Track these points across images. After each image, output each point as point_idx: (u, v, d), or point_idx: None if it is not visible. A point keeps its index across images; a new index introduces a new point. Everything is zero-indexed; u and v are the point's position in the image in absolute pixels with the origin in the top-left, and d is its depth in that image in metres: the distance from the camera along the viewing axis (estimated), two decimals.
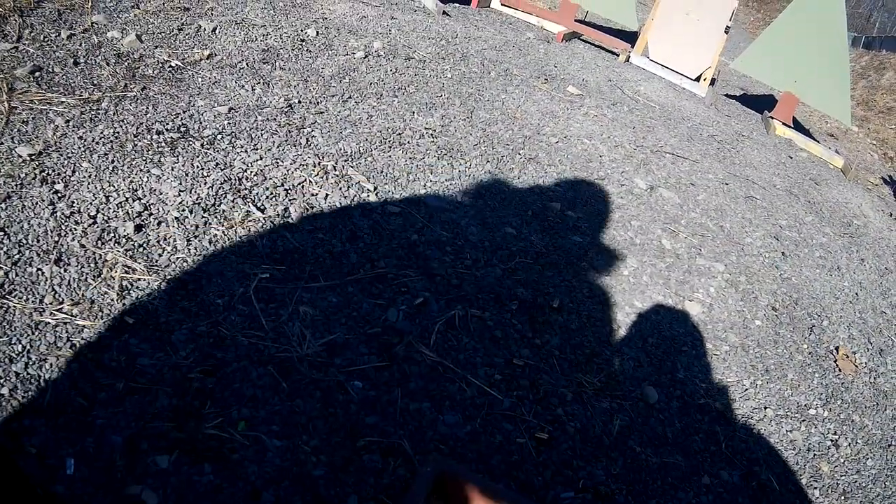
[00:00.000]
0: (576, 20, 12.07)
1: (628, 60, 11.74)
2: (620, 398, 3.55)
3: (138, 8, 6.26)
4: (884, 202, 10.47)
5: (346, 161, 4.56)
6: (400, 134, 5.26)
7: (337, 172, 4.41)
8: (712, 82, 12.39)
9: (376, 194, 4.32)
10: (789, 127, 11.69)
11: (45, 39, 5.21)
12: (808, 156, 10.89)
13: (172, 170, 3.93)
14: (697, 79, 11.88)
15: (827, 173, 10.44)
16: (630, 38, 12.27)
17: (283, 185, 4.14)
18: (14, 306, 2.84)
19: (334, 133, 4.89)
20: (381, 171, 4.60)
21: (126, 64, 5.09)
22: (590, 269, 4.49)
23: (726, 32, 11.78)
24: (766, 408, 4.01)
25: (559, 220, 4.92)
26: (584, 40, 11.87)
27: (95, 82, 4.68)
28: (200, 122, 4.50)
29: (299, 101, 5.23)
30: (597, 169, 6.10)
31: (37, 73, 4.61)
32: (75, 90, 4.51)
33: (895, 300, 6.53)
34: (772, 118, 11.76)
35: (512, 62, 8.40)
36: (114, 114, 4.34)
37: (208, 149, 4.24)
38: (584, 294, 4.20)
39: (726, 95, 13.18)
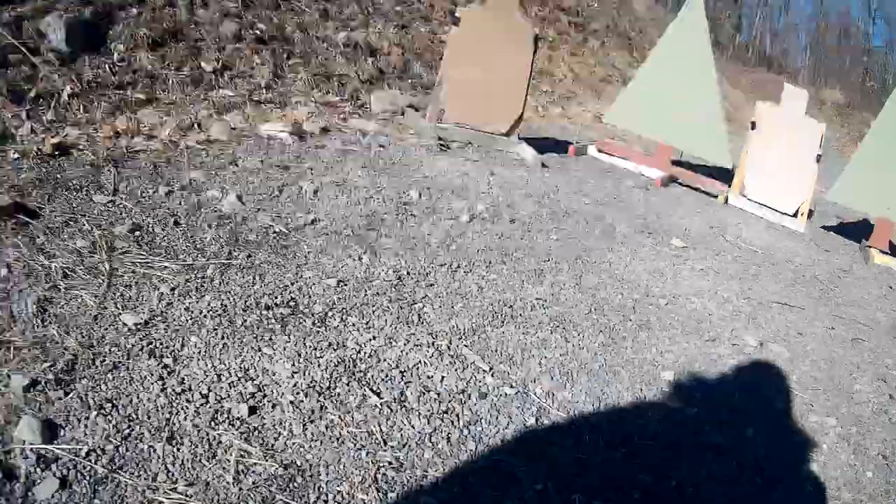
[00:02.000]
0: (672, 161, 12.10)
1: (727, 202, 11.64)
2: None
3: (236, 165, 6.37)
4: None
5: (459, 339, 4.53)
6: (511, 306, 5.23)
7: (451, 352, 4.36)
8: (810, 215, 12.22)
9: (492, 374, 4.27)
10: (886, 254, 11.38)
11: (143, 195, 5.34)
12: None
13: (284, 349, 3.94)
14: (795, 213, 11.64)
15: None
16: (726, 175, 12.23)
17: (397, 366, 4.09)
18: (126, 482, 2.85)
19: (446, 308, 4.88)
20: (496, 350, 4.56)
21: (229, 227, 5.18)
22: (707, 447, 4.38)
23: (818, 161, 11.70)
24: None
25: (674, 390, 4.86)
26: (681, 184, 11.86)
27: (199, 247, 4.79)
28: (310, 297, 4.53)
29: (408, 273, 5.25)
30: (707, 329, 6.03)
31: (136, 233, 4.72)
32: (178, 254, 4.61)
33: None
34: (869, 247, 11.50)
35: (614, 216, 8.44)
36: (220, 283, 4.41)
37: (320, 327, 4.24)
38: (704, 474, 4.11)
39: (823, 227, 12.97)
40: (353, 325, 4.35)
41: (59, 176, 5.36)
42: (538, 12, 19.49)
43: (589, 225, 7.76)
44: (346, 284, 4.81)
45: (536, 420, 4.04)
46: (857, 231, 12.52)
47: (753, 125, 12.03)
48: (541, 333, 4.94)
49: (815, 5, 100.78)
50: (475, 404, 3.97)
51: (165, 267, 4.38)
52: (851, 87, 49.44)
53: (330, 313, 4.40)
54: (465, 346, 4.47)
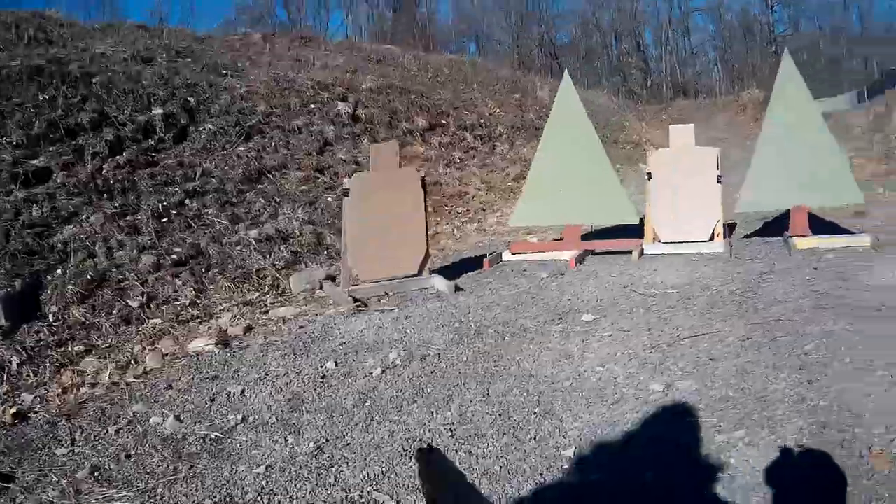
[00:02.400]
0: (583, 238, 12.65)
1: (643, 254, 12.07)
2: None
3: (172, 388, 6.95)
4: None
5: (370, 485, 4.94)
6: (421, 440, 5.61)
7: (363, 499, 4.78)
8: (732, 229, 13.02)
9: None
10: (808, 236, 12.01)
11: (96, 438, 5.93)
12: (834, 256, 11.07)
13: None
14: (712, 237, 12.16)
15: (858, 260, 10.65)
16: (639, 230, 12.70)
17: None
18: None
19: (360, 462, 5.29)
20: (404, 485, 4.94)
21: (172, 446, 5.72)
22: None
23: (719, 182, 12.30)
24: None
25: (575, 465, 5.16)
26: (597, 253, 12.33)
27: (149, 471, 5.31)
28: (242, 488, 4.99)
29: (327, 440, 5.68)
30: (612, 394, 6.35)
31: (95, 473, 5.28)
32: (133, 483, 5.14)
33: None
34: (790, 237, 12.06)
35: (526, 315, 8.86)
36: (168, 498, 4.90)
37: None
38: None
39: (745, 237, 13.64)
40: (279, 502, 4.83)
41: (23, 440, 6.01)
42: (440, 141, 20.14)
43: (499, 334, 8.17)
44: (273, 468, 5.26)
45: None
46: (782, 222, 13.21)
47: (650, 175, 12.62)
48: (448, 454, 5.25)
49: (716, 19, 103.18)
50: None
51: (124, 496, 4.94)
52: (768, 80, 50.64)
53: (258, 498, 4.86)
54: (376, 490, 4.85)
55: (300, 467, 5.26)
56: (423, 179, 10.52)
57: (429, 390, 6.68)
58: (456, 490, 0.91)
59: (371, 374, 7.09)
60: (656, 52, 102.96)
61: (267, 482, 5.08)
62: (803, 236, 12.13)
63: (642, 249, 12.32)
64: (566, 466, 5.15)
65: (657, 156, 13.27)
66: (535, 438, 5.59)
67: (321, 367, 7.31)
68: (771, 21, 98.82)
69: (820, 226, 13.50)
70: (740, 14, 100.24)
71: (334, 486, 4.98)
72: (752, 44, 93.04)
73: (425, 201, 10.58)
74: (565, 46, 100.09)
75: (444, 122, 21.17)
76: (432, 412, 6.19)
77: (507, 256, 12.40)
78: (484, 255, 12.13)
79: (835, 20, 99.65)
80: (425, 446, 1.83)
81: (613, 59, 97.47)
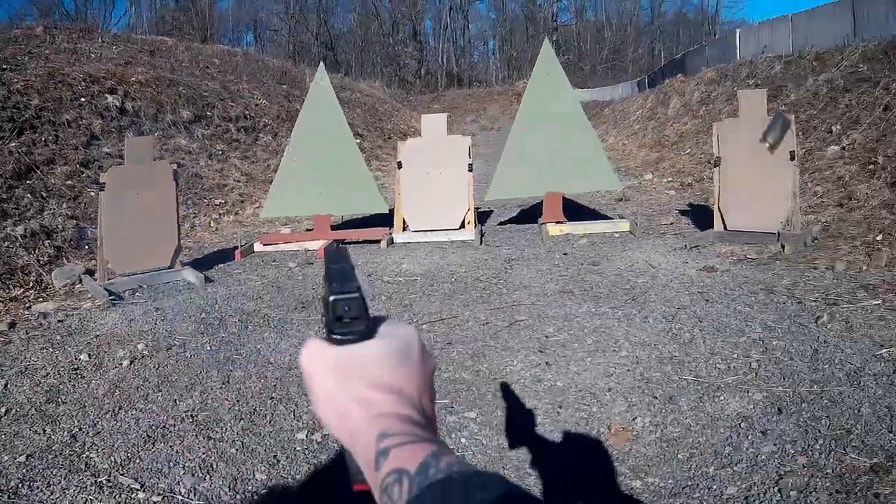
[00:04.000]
0: (333, 228, 12.92)
1: (392, 243, 12.37)
2: None
3: None
4: (679, 237, 11.46)
5: (117, 470, 5.14)
6: (164, 427, 5.84)
7: (111, 483, 4.96)
8: (484, 218, 13.66)
9: (143, 491, 4.87)
10: (562, 223, 12.46)
11: None
12: (587, 241, 11.61)
13: None
14: (462, 225, 12.51)
15: (612, 246, 11.26)
16: (390, 218, 13.03)
17: None
18: None
19: (108, 448, 5.46)
20: (148, 469, 5.16)
21: None
22: None
23: (470, 170, 12.62)
24: None
25: (305, 446, 5.49)
26: (348, 243, 12.51)
27: None
28: (7, 476, 5.12)
29: (80, 429, 5.82)
30: None
31: None
32: None
33: (687, 336, 7.25)
34: (543, 223, 12.49)
35: (271, 304, 9.20)
36: None
37: (14, 498, 4.82)
38: None
39: (500, 224, 14.06)
40: (39, 488, 4.95)
41: None
42: (204, 133, 20.08)
43: (242, 324, 8.49)
44: (33, 457, 5.39)
45: None
46: (538, 211, 13.59)
47: (400, 164, 12.92)
48: (186, 441, 5.57)
49: (499, 9, 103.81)
50: None
51: None
52: None
53: (21, 484, 5.00)
54: (122, 474, 5.08)
55: (56, 455, 5.40)
56: (175, 172, 10.64)
57: (173, 378, 6.89)
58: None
59: (121, 364, 7.27)
60: (434, 41, 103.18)
61: (27, 470, 5.22)
62: (557, 223, 12.68)
63: (391, 238, 12.64)
64: (299, 448, 5.45)
65: (409, 144, 13.59)
66: (270, 422, 5.89)
67: (76, 359, 7.42)
68: (555, 10, 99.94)
69: (580, 212, 14.30)
70: (523, 3, 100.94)
71: (85, 471, 5.15)
72: (533, 33, 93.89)
73: (178, 194, 10.71)
74: (342, 35, 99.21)
75: (209, 113, 21.00)
76: (175, 399, 6.40)
77: (258, 247, 12.59)
78: (237, 247, 12.52)
79: (623, 8, 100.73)
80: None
81: (389, 48, 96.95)
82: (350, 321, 1.03)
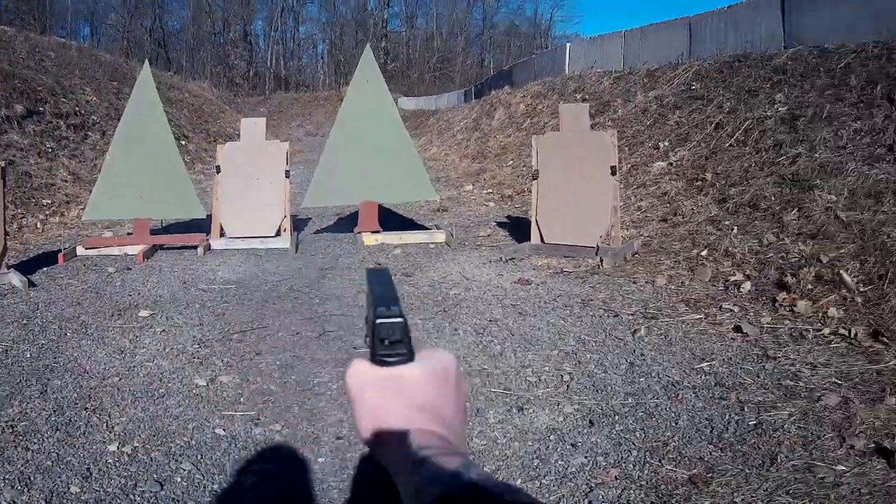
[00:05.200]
0: (153, 232, 12.76)
1: (209, 249, 12.24)
2: None
3: None
4: (496, 249, 11.53)
5: None
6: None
7: None
8: (300, 228, 13.54)
9: None
10: (378, 232, 12.48)
11: None
12: (402, 251, 11.65)
13: None
14: (278, 233, 12.44)
15: (427, 257, 11.30)
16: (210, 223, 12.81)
17: None
18: None
19: None
20: None
21: None
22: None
23: (287, 177, 12.57)
24: None
25: (118, 459, 5.33)
26: (166, 249, 12.42)
27: None
28: None
29: None
30: (158, 388, 6.56)
31: None
32: None
33: (497, 349, 7.32)
34: (359, 233, 12.52)
35: (89, 310, 8.96)
36: None
37: None
38: None
39: (317, 232, 14.12)
40: None
41: None
42: (35, 129, 19.58)
43: (62, 331, 8.20)
44: None
45: None
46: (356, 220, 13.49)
47: (218, 168, 12.78)
48: (6, 453, 5.36)
49: (330, 12, 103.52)
50: None
51: None
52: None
53: None
54: None
55: None
56: (2, 170, 10.23)
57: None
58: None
59: None
60: (264, 42, 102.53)
61: None
62: (373, 232, 12.69)
63: (208, 244, 12.50)
64: (110, 461, 5.31)
65: (227, 149, 13.39)
66: (84, 433, 5.73)
67: None
68: (385, 17, 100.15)
69: (398, 222, 14.32)
70: (355, 8, 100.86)
71: None
72: (362, 38, 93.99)
73: (3, 194, 10.28)
74: (175, 33, 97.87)
75: (41, 109, 20.51)
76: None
77: (80, 251, 12.21)
78: (60, 250, 11.91)
79: (454, 17, 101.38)
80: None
81: (220, 48, 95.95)
82: (393, 343, 1.09)
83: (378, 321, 1.09)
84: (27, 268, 11.02)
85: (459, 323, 8.28)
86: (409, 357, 1.09)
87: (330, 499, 4.85)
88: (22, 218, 14.99)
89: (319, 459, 5.34)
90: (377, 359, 1.09)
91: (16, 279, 10.14)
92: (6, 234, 10.48)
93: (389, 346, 1.09)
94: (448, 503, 0.86)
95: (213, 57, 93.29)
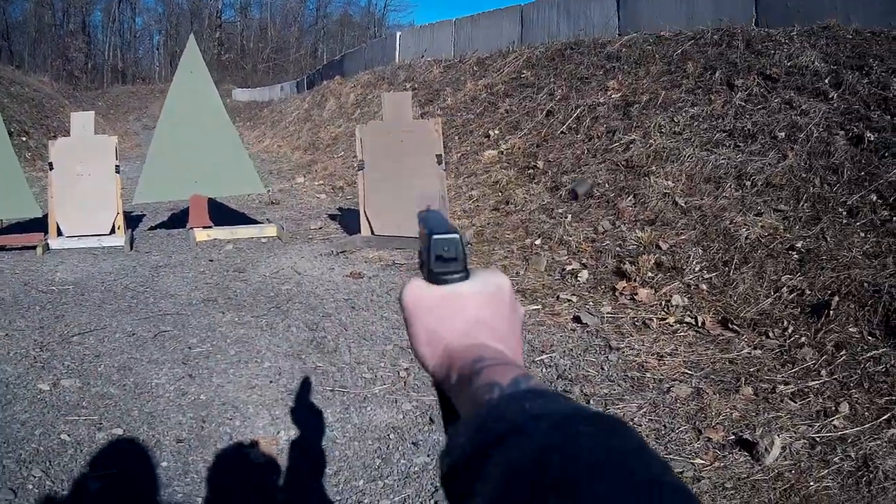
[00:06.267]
0: None
1: (48, 249, 11.95)
2: None
3: None
4: (327, 242, 11.50)
5: None
6: None
7: None
8: (134, 224, 13.28)
9: None
10: (210, 227, 12.37)
11: None
12: (234, 246, 11.60)
13: None
14: (112, 230, 12.26)
15: (259, 251, 11.26)
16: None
17: None
18: None
19: None
20: None
21: None
22: None
23: (118, 172, 12.39)
24: None
25: None
26: (6, 250, 12.08)
27: None
28: None
29: None
30: (4, 394, 6.35)
31: None
32: None
33: (332, 346, 7.34)
34: (191, 229, 12.36)
35: None
36: None
37: None
38: None
39: (151, 228, 13.95)
40: None
41: None
42: None
43: None
44: None
45: None
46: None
47: (51, 165, 12.50)
48: None
49: (167, 3, 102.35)
50: None
51: None
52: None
53: None
54: None
55: None
56: None
57: None
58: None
59: None
60: (102, 33, 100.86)
61: None
62: (205, 227, 12.58)
63: (47, 244, 12.14)
64: None
65: (59, 144, 13.05)
66: None
67: None
68: (220, 6, 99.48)
69: (229, 215, 14.15)
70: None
71: None
72: (198, 29, 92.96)
73: None
74: (18, 25, 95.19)
75: None
76: None
77: None
78: None
79: (288, 7, 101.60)
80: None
81: (59, 40, 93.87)
82: (448, 260, 1.10)
83: (434, 237, 1.10)
84: None
85: (292, 319, 8.24)
86: (465, 275, 1.11)
87: (175, 501, 4.80)
88: None
89: (163, 463, 5.27)
90: (433, 277, 1.11)
91: None
92: None
93: (445, 262, 1.10)
94: (516, 434, 0.80)
95: (54, 49, 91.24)
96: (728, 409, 5.52)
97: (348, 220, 13.39)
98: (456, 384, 1.03)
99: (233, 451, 5.46)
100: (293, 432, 5.63)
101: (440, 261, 1.09)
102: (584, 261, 9.06)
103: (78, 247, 12.18)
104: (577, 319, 7.51)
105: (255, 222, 14.03)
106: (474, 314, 1.09)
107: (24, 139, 25.85)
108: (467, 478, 0.80)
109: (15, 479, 5.07)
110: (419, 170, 10.72)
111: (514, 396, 0.88)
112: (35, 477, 5.09)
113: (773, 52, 11.96)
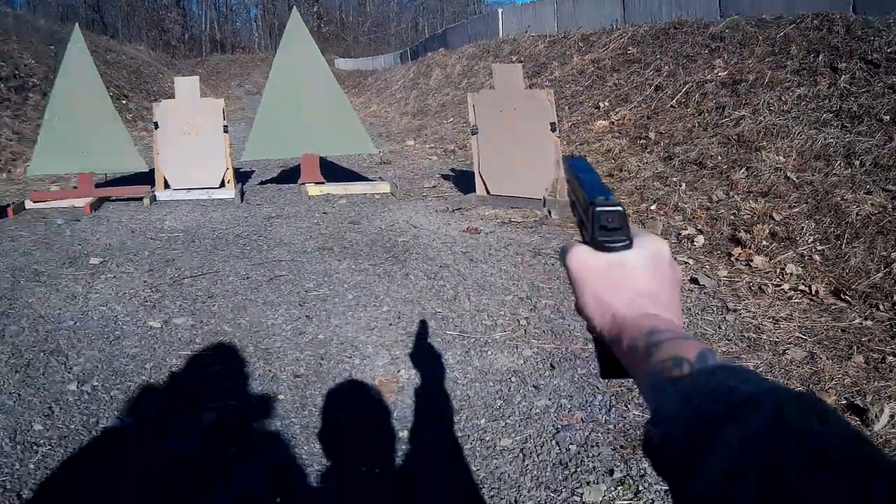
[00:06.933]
0: (98, 185, 12.67)
1: (155, 200, 12.26)
2: None
3: None
4: (441, 200, 11.45)
5: None
6: None
7: None
8: (243, 180, 13.49)
9: None
10: (322, 183, 12.49)
11: None
12: (347, 201, 11.60)
13: None
14: (222, 184, 12.48)
15: (372, 206, 11.27)
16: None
17: None
18: None
19: None
20: None
21: None
22: None
23: (226, 131, 12.64)
24: None
25: (77, 397, 5.34)
26: (114, 200, 12.36)
27: None
28: None
29: None
30: (113, 330, 6.57)
31: None
32: None
33: (451, 294, 7.41)
34: (303, 183, 12.50)
35: (41, 260, 8.91)
36: None
37: None
38: None
39: (261, 183, 14.08)
40: None
41: None
42: None
43: (14, 279, 8.13)
44: None
45: None
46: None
47: (156, 125, 12.82)
48: None
49: None
50: None
51: None
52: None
53: None
54: None
55: None
56: None
57: None
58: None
59: None
60: (197, 7, 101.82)
61: None
62: (316, 183, 12.74)
63: (154, 195, 12.52)
64: (71, 399, 5.32)
65: (163, 106, 13.34)
66: (43, 374, 5.73)
67: None
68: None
69: (341, 173, 14.33)
70: None
71: None
72: (294, 3, 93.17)
73: None
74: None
75: None
76: None
77: (29, 204, 12.10)
78: (8, 205, 11.75)
79: None
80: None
81: (154, 13, 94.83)
82: (613, 231, 1.12)
83: (598, 209, 1.12)
84: None
85: (410, 268, 8.29)
86: (629, 244, 1.13)
87: (292, 434, 4.85)
88: None
89: (279, 397, 5.35)
90: (599, 245, 1.13)
91: None
92: None
93: (609, 232, 1.12)
94: (754, 404, 0.82)
95: (148, 21, 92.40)
96: (840, 375, 5.44)
97: (461, 180, 13.43)
98: (628, 351, 1.07)
99: (351, 386, 5.54)
100: (413, 372, 5.68)
101: (604, 230, 1.12)
102: (700, 227, 8.99)
103: (186, 199, 12.48)
104: (694, 281, 7.47)
105: (367, 179, 14.15)
106: (640, 284, 1.12)
107: (123, 102, 26.34)
108: (687, 449, 0.83)
109: (124, 409, 5.22)
110: (532, 136, 10.64)
111: (711, 372, 0.91)
112: (145, 407, 5.25)
113: (872, 38, 11.81)
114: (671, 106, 13.60)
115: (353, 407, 5.29)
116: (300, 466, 4.48)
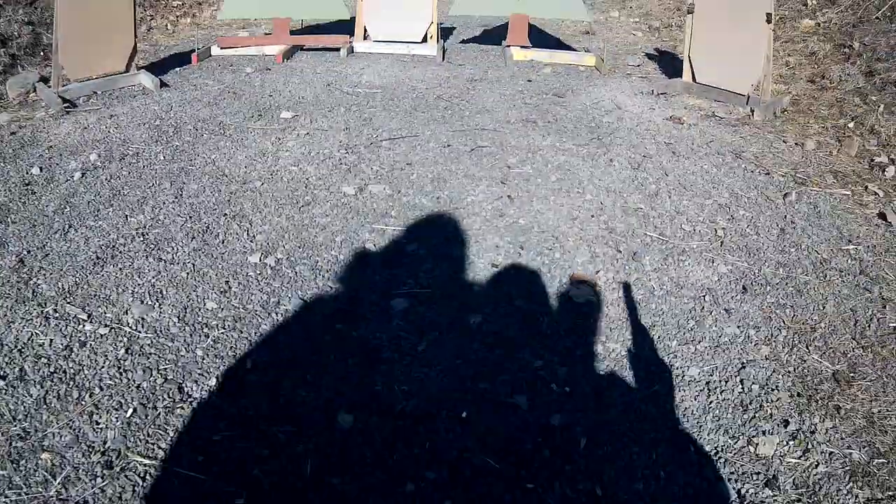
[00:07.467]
0: (293, 33, 12.49)
1: (352, 52, 12.09)
2: None
3: None
4: (646, 81, 11.07)
5: (64, 297, 4.94)
6: (113, 247, 5.64)
7: (58, 313, 4.73)
8: (445, 37, 13.22)
9: (90, 321, 4.70)
10: (527, 48, 12.12)
11: None
12: (552, 70, 11.29)
13: None
14: (425, 39, 12.20)
15: (577, 79, 10.91)
16: (351, 26, 12.56)
17: (17, 347, 4.39)
18: None
19: (55, 271, 5.25)
20: (95, 295, 4.98)
21: None
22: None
23: None
24: None
25: (258, 271, 5.34)
26: (306, 49, 12.25)
27: None
28: None
29: (28, 252, 5.54)
30: (303, 195, 6.58)
31: None
32: None
33: (653, 189, 7.10)
34: (508, 46, 12.17)
35: (227, 111, 8.89)
36: None
37: None
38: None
39: (462, 42, 13.70)
40: None
41: None
42: None
43: (197, 132, 8.19)
44: None
45: (127, 350, 4.39)
46: (502, 34, 13.28)
47: None
48: (136, 263, 5.39)
49: None
50: (77, 354, 4.33)
51: None
52: None
53: None
54: (69, 304, 4.85)
55: (2, 283, 5.12)
56: None
57: (125, 192, 6.62)
58: None
59: (72, 177, 6.92)
60: None
61: None
62: (522, 47, 12.38)
63: (352, 47, 12.35)
64: (251, 273, 5.33)
65: None
66: (223, 243, 5.76)
67: (27, 173, 7.03)
68: None
69: (544, 40, 14.00)
70: None
71: (32, 301, 4.91)
72: None
73: None
74: None
75: None
76: (126, 215, 6.17)
77: (215, 51, 12.09)
78: (194, 50, 11.83)
79: None
80: None
81: None
82: None
83: None
84: (158, 69, 10.85)
85: (614, 154, 8.07)
86: None
87: (484, 329, 4.82)
88: (151, 19, 14.78)
89: (474, 288, 5.31)
90: None
91: (147, 80, 10.02)
92: (136, 35, 10.20)
93: None
94: None
95: None
96: None
97: (666, 62, 12.93)
98: None
99: (549, 284, 5.44)
100: (612, 274, 5.57)
101: None
102: (892, 156, 8.48)
103: (385, 52, 12.28)
104: (881, 216, 7.00)
105: (571, 49, 13.72)
106: None
107: None
108: None
109: (308, 287, 5.18)
110: (747, 25, 10.02)
111: None
112: (331, 288, 5.19)
113: None
114: (876, 17, 12.86)
115: (552, 307, 5.19)
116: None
